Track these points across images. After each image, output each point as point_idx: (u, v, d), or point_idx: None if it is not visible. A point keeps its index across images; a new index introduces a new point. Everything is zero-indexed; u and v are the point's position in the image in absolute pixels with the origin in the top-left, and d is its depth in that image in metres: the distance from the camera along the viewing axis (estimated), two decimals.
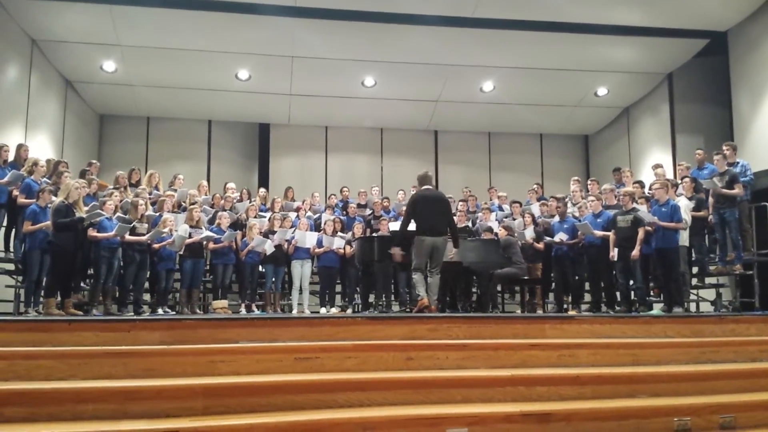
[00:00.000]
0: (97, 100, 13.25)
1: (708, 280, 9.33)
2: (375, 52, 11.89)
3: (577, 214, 9.30)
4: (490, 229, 9.39)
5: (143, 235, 8.30)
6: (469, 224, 9.88)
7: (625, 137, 14.20)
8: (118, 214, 8.32)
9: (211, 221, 9.57)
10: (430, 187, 7.51)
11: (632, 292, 8.58)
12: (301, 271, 9.68)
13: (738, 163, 8.96)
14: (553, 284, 9.70)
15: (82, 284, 8.56)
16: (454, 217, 9.65)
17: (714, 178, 8.61)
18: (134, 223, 8.24)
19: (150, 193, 9.55)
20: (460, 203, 10.40)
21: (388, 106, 13.68)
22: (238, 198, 10.68)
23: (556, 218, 9.42)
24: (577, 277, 9.19)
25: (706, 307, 9.65)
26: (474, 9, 10.62)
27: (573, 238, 8.92)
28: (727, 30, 11.25)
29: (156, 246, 8.53)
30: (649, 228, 7.98)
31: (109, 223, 7.99)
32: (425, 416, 4.26)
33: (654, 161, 11.11)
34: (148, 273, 8.77)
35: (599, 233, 8.47)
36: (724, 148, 8.99)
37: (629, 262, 8.10)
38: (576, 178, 10.80)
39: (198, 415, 4.14)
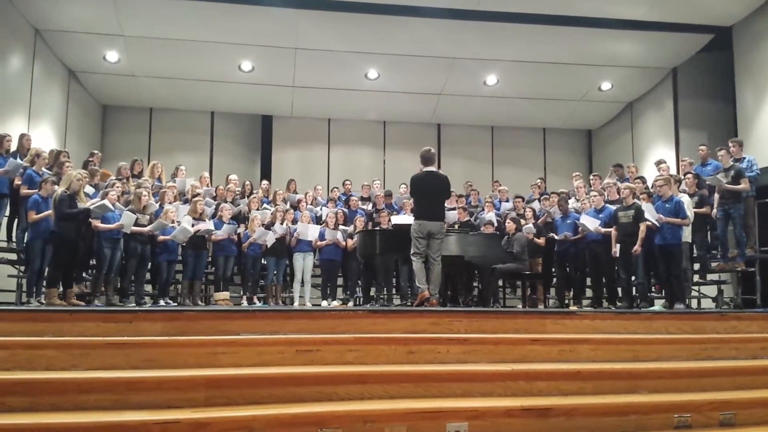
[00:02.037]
0: (100, 90, 13.24)
1: (710, 277, 9.32)
2: (378, 45, 11.87)
3: (579, 209, 9.29)
4: (491, 223, 9.39)
5: (145, 226, 8.31)
6: (471, 219, 9.86)
7: (628, 132, 14.17)
8: (119, 204, 8.33)
9: (214, 213, 9.57)
10: (433, 168, 7.42)
11: (633, 288, 8.57)
12: (303, 263, 9.70)
13: (744, 158, 8.92)
14: (555, 279, 9.70)
15: (84, 275, 8.58)
16: (454, 211, 9.74)
17: (718, 174, 8.58)
18: (137, 214, 8.25)
19: (152, 185, 9.56)
20: (460, 198, 10.37)
21: (391, 99, 13.66)
22: (240, 191, 10.68)
23: (557, 211, 9.42)
24: (578, 273, 9.18)
25: (707, 304, 9.65)
26: (478, 1, 10.59)
27: (575, 233, 8.92)
28: (732, 25, 11.21)
29: (161, 238, 8.54)
30: (650, 223, 7.96)
31: (112, 214, 7.99)
32: (425, 410, 4.26)
33: (657, 156, 11.10)
34: (150, 264, 8.79)
35: (602, 230, 8.46)
36: (730, 144, 8.97)
37: (631, 258, 8.09)
38: (577, 173, 10.78)
39: (200, 406, 4.14)
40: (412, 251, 7.22)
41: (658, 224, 7.94)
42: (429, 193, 7.28)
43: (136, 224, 8.19)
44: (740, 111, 11.13)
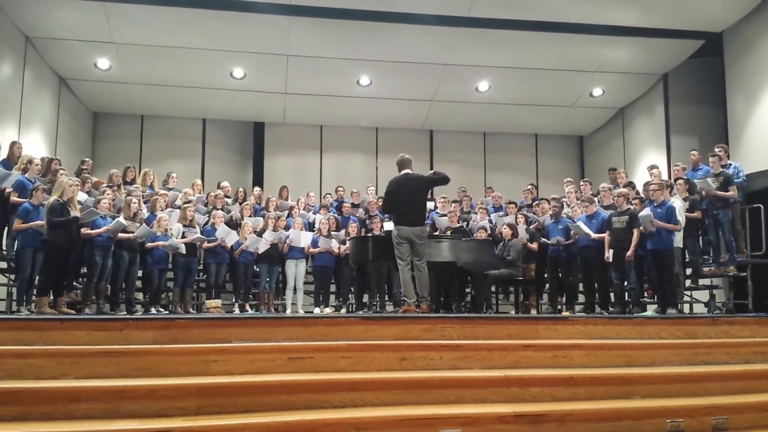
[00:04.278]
0: (91, 97, 13.20)
1: (702, 282, 9.34)
2: (370, 51, 11.87)
3: (570, 215, 9.30)
4: (483, 228, 9.39)
5: (133, 232, 8.25)
6: (464, 225, 9.87)
7: (619, 138, 14.22)
8: (111, 212, 8.29)
9: (207, 220, 9.54)
10: (409, 171, 7.42)
11: (626, 294, 8.59)
12: (296, 270, 9.67)
13: (731, 165, 8.99)
14: (547, 285, 9.71)
15: (75, 283, 8.53)
16: (445, 217, 9.74)
17: (708, 178, 8.62)
18: (127, 221, 8.21)
19: (143, 192, 9.52)
20: (453, 204, 10.37)
21: (384, 106, 13.67)
22: (233, 198, 10.66)
23: (547, 218, 9.44)
24: (571, 278, 9.19)
25: (699, 309, 9.68)
26: (470, 8, 10.61)
27: (567, 238, 8.93)
28: (722, 31, 11.27)
29: (149, 245, 8.50)
30: (643, 229, 7.97)
31: (103, 221, 7.96)
32: (418, 417, 4.25)
33: (648, 162, 11.12)
34: (140, 272, 8.74)
35: (595, 235, 8.47)
36: (717, 150, 9.02)
37: (624, 263, 8.11)
38: (569, 179, 10.80)
39: (191, 414, 4.12)
40: (396, 256, 7.21)
41: (653, 229, 7.94)
42: (406, 197, 7.27)
43: (124, 231, 8.13)
44: (731, 116, 11.19)
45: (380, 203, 10.76)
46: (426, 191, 7.49)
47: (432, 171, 7.58)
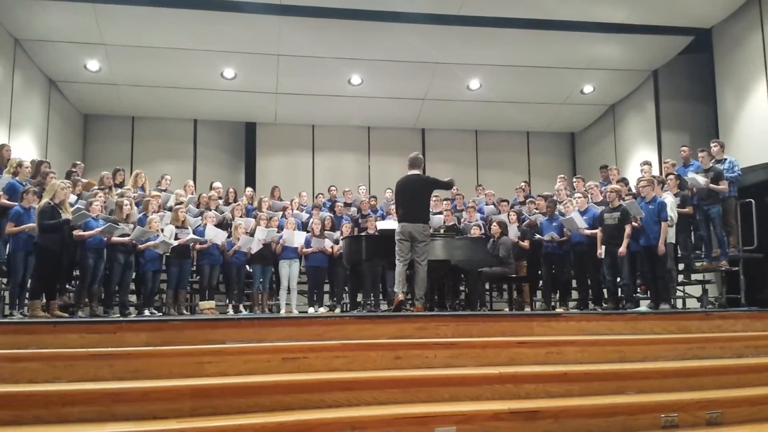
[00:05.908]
0: (82, 99, 13.14)
1: (694, 277, 9.38)
2: (361, 50, 11.87)
3: (563, 212, 9.32)
4: (478, 226, 9.41)
5: (128, 235, 8.23)
6: (456, 222, 9.88)
7: (611, 134, 14.27)
8: (103, 214, 8.26)
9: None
10: (416, 172, 7.45)
11: (619, 289, 8.61)
12: (289, 270, 9.66)
13: (726, 159, 9.00)
14: (541, 282, 9.73)
15: (67, 286, 8.49)
16: (439, 215, 9.74)
17: (698, 174, 8.65)
18: (119, 223, 8.18)
19: (135, 193, 9.49)
20: (445, 201, 10.38)
21: (375, 105, 13.66)
22: (224, 199, 10.63)
23: (539, 216, 9.45)
24: (564, 274, 9.21)
25: (692, 304, 9.71)
26: (460, 6, 10.62)
27: (561, 235, 8.95)
28: (712, 27, 11.32)
29: (141, 247, 8.47)
30: (636, 224, 8.00)
31: (96, 223, 7.93)
32: (414, 415, 4.25)
33: (640, 158, 11.19)
34: (134, 274, 8.71)
35: (587, 231, 8.49)
36: (712, 145, 9.06)
37: (616, 259, 8.13)
38: (562, 176, 10.83)
39: (185, 416, 4.10)
40: (396, 252, 7.21)
41: (637, 224, 7.98)
42: (409, 196, 7.29)
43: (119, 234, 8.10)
44: (721, 112, 11.24)
45: (372, 202, 10.91)
46: (428, 190, 7.49)
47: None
